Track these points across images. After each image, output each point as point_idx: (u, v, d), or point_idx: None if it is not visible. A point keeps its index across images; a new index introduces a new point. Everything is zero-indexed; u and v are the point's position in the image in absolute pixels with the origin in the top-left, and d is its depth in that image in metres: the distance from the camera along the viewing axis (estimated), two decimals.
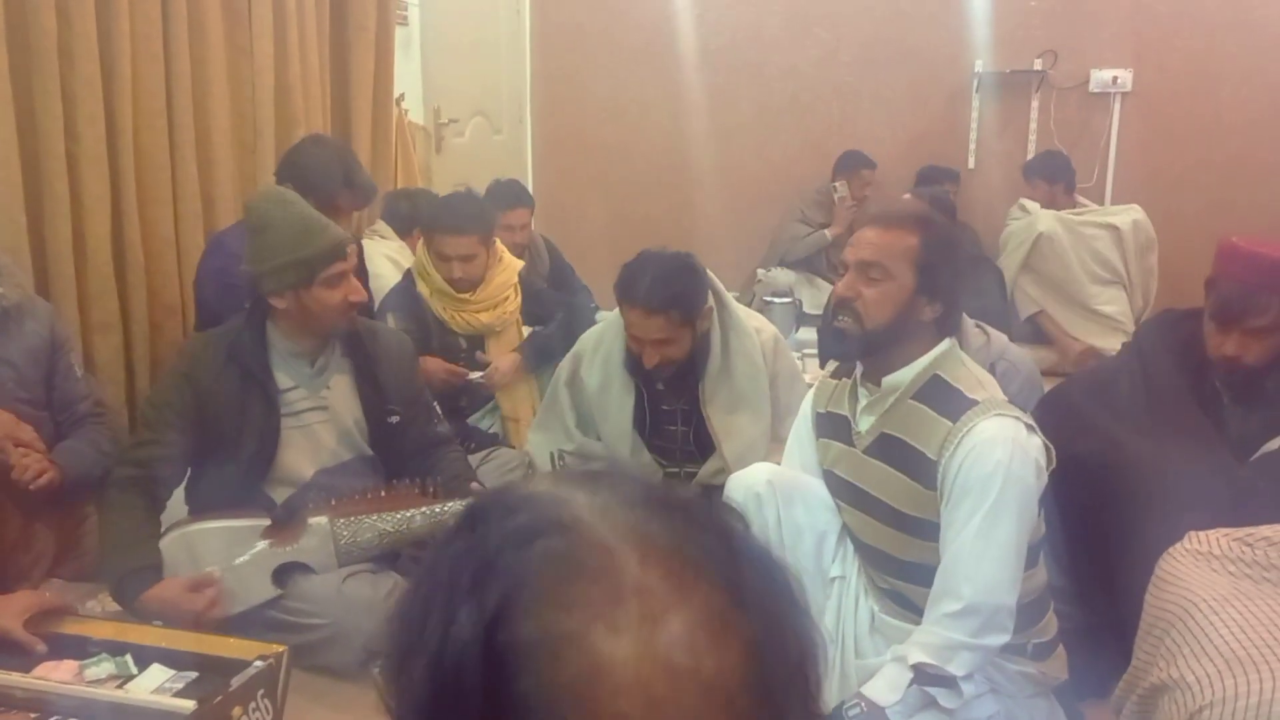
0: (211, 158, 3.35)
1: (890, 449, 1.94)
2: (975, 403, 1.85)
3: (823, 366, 2.35)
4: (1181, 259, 4.66)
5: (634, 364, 2.62)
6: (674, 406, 2.67)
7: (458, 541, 0.58)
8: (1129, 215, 4.79)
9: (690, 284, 2.51)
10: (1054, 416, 2.45)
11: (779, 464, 2.31)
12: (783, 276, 5.11)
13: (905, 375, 1.93)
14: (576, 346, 2.85)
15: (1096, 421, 2.34)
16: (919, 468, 1.88)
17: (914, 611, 1.95)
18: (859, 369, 2.03)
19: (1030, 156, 5.31)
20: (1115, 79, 5.20)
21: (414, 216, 3.69)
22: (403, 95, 4.48)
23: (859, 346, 1.95)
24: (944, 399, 1.88)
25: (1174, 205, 5.17)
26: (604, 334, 2.73)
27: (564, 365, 2.85)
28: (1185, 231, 4.96)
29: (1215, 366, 2.24)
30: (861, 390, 2.02)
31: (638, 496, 0.59)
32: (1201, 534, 1.86)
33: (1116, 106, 5.26)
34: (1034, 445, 1.84)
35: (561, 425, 2.81)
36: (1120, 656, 1.96)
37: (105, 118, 2.92)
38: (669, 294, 2.44)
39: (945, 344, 1.94)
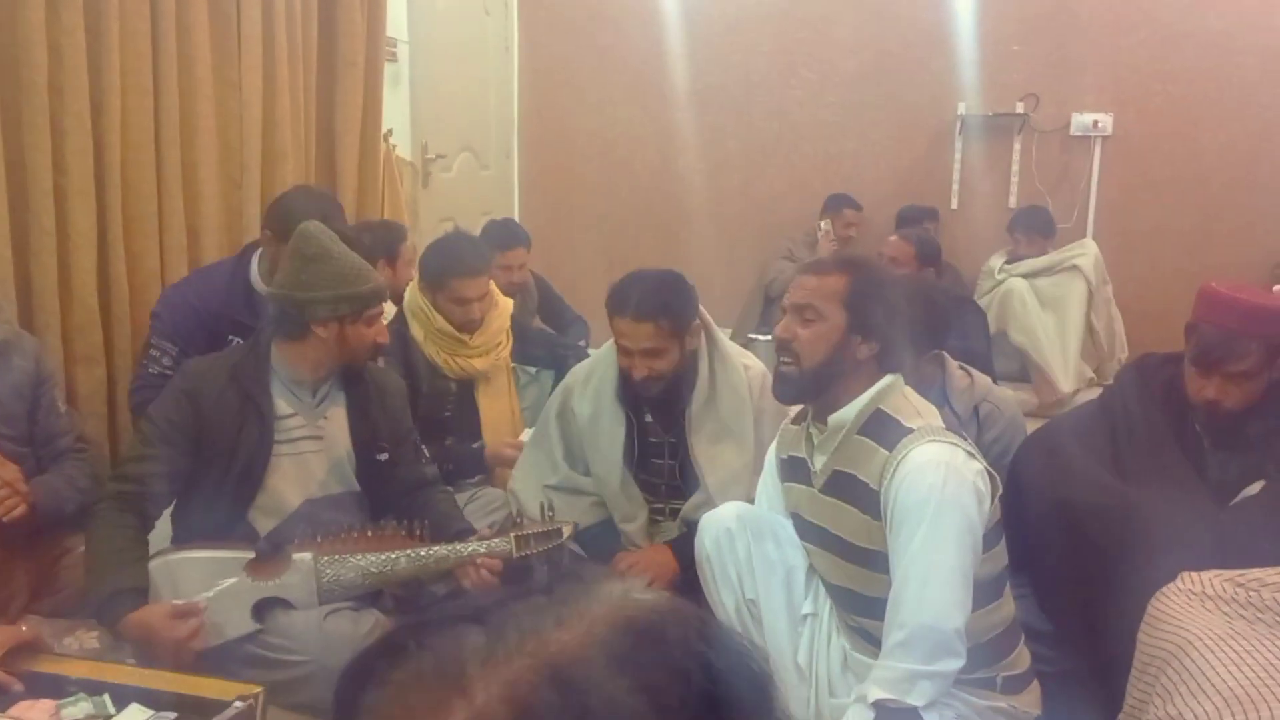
0: (198, 192, 3.35)
1: (842, 485, 1.99)
2: (910, 430, 1.90)
3: None
4: (1161, 302, 4.72)
5: (625, 393, 2.63)
6: (662, 440, 2.67)
7: (449, 608, 0.55)
8: (1089, 250, 4.93)
9: (679, 295, 2.55)
10: (1037, 460, 2.47)
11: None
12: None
13: (849, 412, 1.98)
14: (567, 379, 2.84)
15: (1078, 465, 2.35)
16: (866, 500, 1.93)
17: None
18: (810, 411, 2.09)
19: (1012, 197, 5.39)
20: (1096, 123, 5.27)
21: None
22: (390, 130, 4.49)
23: (800, 385, 2.03)
24: (883, 429, 1.94)
25: (1154, 248, 5.23)
26: (595, 366, 2.74)
27: (554, 398, 2.84)
28: (1165, 275, 5.02)
29: (1195, 411, 2.26)
30: (813, 430, 2.08)
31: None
32: (1195, 574, 1.87)
33: (1097, 150, 5.32)
34: (971, 469, 1.86)
35: (549, 458, 2.79)
36: (1104, 700, 1.96)
37: (94, 152, 2.92)
38: (658, 302, 2.49)
39: (887, 379, 2.00)
